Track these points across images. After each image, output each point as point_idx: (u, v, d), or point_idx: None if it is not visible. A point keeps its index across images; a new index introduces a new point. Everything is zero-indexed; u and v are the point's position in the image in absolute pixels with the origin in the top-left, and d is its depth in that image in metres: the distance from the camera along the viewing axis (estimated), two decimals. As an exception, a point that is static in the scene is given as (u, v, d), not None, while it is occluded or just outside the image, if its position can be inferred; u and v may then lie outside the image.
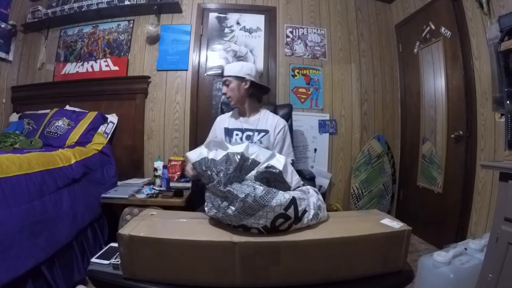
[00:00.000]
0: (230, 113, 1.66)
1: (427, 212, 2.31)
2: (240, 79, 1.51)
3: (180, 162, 2.31)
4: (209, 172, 0.89)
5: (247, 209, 0.80)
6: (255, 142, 1.45)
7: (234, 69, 1.52)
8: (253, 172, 0.91)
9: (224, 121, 1.61)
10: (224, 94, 1.54)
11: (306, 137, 2.61)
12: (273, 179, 0.92)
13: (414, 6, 2.51)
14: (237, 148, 0.94)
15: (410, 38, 2.58)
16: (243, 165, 0.90)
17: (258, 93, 1.58)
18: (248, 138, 1.50)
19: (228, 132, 1.54)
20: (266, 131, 1.51)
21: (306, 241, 0.81)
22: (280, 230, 0.83)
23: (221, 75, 1.55)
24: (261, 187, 0.83)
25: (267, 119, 1.56)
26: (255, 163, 0.92)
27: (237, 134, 1.53)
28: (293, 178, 0.96)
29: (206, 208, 0.94)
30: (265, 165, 0.91)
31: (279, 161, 0.94)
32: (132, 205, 1.84)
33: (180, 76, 2.60)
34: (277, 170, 0.91)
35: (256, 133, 1.50)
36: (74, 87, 2.65)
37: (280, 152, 1.46)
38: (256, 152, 0.94)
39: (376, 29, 2.80)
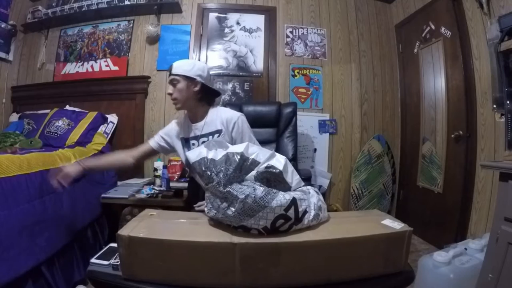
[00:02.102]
0: (182, 120, 1.48)
1: (427, 212, 2.31)
2: (190, 79, 1.30)
3: (180, 162, 2.31)
4: (208, 173, 0.89)
5: (247, 210, 0.80)
6: None
7: (184, 67, 1.30)
8: (253, 172, 0.90)
9: (178, 128, 1.44)
10: (170, 94, 1.31)
11: (306, 137, 2.61)
12: (273, 179, 0.92)
13: (414, 6, 2.51)
14: (236, 148, 0.94)
15: (410, 38, 2.58)
16: (243, 165, 0.90)
17: (208, 98, 1.40)
18: None
19: (186, 143, 1.39)
20: (219, 131, 1.36)
21: (306, 242, 0.81)
22: (280, 231, 0.83)
23: (168, 72, 1.32)
24: (261, 188, 0.83)
25: (217, 117, 1.38)
26: (255, 163, 0.92)
27: (193, 144, 1.37)
28: (293, 178, 0.96)
29: (206, 209, 0.94)
30: (265, 165, 0.91)
31: (279, 161, 0.94)
32: (132, 205, 1.84)
33: (180, 76, 2.60)
34: (277, 170, 0.91)
35: (210, 137, 1.36)
36: (74, 87, 2.65)
37: None
38: (256, 152, 0.94)
39: (376, 29, 2.80)
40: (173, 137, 1.43)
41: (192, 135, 1.39)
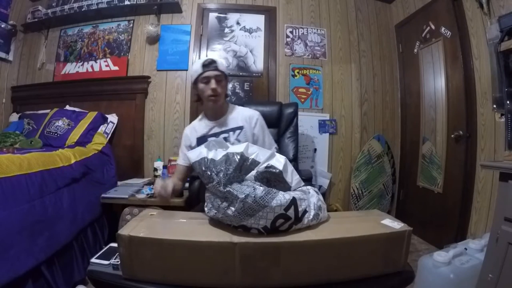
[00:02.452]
0: (196, 121, 1.46)
1: (427, 212, 2.31)
2: (227, 77, 1.36)
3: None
4: (208, 172, 0.89)
5: (247, 210, 0.80)
6: (233, 143, 1.30)
7: (224, 65, 1.35)
8: (253, 172, 0.90)
9: (193, 131, 1.41)
10: (213, 90, 1.27)
11: (306, 137, 2.61)
12: (273, 179, 0.92)
13: (414, 6, 2.51)
14: (236, 148, 0.94)
15: (410, 38, 2.58)
16: (243, 165, 0.90)
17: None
18: (225, 140, 1.24)
19: (202, 141, 1.32)
20: (241, 128, 1.37)
21: (306, 241, 0.81)
22: (280, 230, 0.83)
23: (205, 66, 1.28)
24: (261, 188, 0.83)
25: (238, 115, 1.40)
26: (255, 163, 0.92)
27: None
28: (293, 178, 0.96)
29: (206, 209, 0.94)
30: (265, 165, 0.91)
31: (279, 161, 0.94)
32: (132, 205, 1.84)
33: (180, 76, 2.61)
34: (277, 170, 0.91)
35: (231, 133, 1.36)
36: (74, 87, 2.65)
37: (263, 145, 1.34)
38: (256, 152, 0.94)
39: (376, 29, 2.80)
40: (193, 143, 1.39)
41: (211, 132, 1.38)
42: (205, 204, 0.96)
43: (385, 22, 2.83)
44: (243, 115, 1.39)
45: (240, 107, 1.46)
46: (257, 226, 0.81)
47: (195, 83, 1.34)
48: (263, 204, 0.79)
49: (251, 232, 0.83)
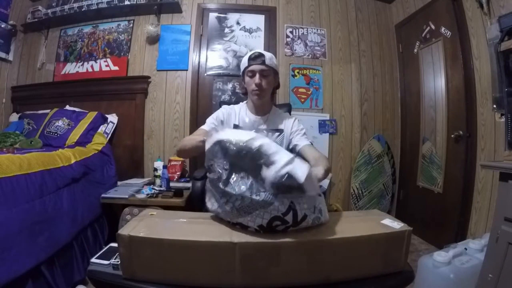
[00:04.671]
0: (238, 107, 1.41)
1: (427, 212, 2.31)
2: (276, 74, 1.32)
3: (180, 162, 2.31)
4: (212, 162, 0.86)
5: (245, 208, 0.80)
6: None
7: (274, 60, 1.30)
8: (270, 177, 0.74)
9: (232, 115, 1.38)
10: (257, 85, 1.25)
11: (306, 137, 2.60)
12: (294, 189, 0.75)
13: (414, 6, 2.51)
14: (239, 135, 0.83)
15: (410, 38, 2.58)
16: (242, 156, 0.80)
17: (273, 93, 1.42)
18: None
19: None
20: (281, 131, 1.35)
21: (306, 241, 0.81)
22: (277, 230, 0.82)
23: (255, 60, 1.26)
24: (264, 193, 0.79)
25: (280, 118, 1.38)
26: (261, 155, 0.78)
27: None
28: (316, 188, 0.81)
29: (206, 199, 0.94)
30: (284, 171, 0.73)
31: (301, 169, 0.74)
32: (132, 205, 1.84)
33: (180, 76, 2.61)
34: (298, 182, 0.73)
35: (270, 133, 1.32)
36: (74, 87, 2.65)
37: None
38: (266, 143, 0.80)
39: (376, 29, 2.80)
40: (228, 120, 1.36)
41: (249, 126, 1.34)
42: (206, 195, 0.95)
43: (385, 22, 2.83)
44: (283, 120, 1.37)
45: (281, 111, 1.46)
46: (253, 224, 0.81)
47: (242, 75, 1.33)
48: (259, 206, 0.79)
49: (249, 230, 0.83)
